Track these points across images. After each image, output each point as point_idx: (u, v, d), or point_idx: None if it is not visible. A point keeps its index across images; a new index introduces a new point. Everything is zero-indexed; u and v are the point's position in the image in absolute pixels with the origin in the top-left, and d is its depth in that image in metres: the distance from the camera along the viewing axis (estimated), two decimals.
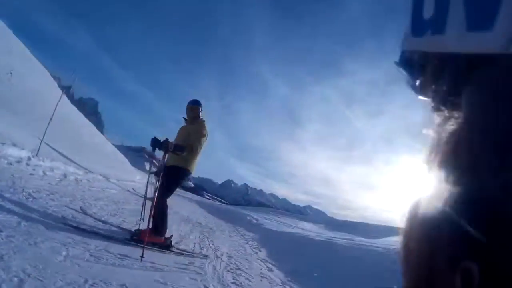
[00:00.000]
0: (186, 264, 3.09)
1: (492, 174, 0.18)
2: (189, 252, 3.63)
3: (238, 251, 4.92)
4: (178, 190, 7.63)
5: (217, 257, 3.94)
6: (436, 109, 0.24)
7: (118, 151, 20.39)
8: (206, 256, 3.69)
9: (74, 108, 18.49)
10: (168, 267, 2.79)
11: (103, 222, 3.58)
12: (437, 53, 0.23)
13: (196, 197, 25.52)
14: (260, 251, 5.47)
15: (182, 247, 3.74)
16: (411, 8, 0.25)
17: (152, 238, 3.15)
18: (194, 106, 3.73)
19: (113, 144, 22.09)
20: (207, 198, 48.61)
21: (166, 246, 3.33)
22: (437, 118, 0.24)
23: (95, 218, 3.58)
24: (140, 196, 5.84)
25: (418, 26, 0.24)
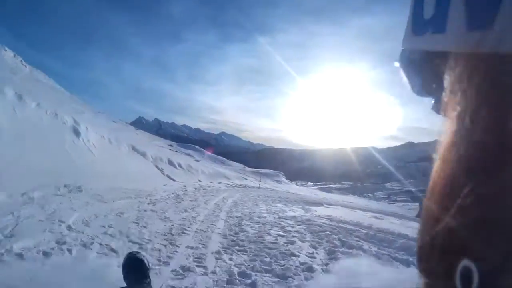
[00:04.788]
0: None
1: (493, 173, 0.18)
2: None
3: None
4: None
5: None
6: (437, 108, 0.24)
7: None
8: None
9: None
10: None
11: None
12: (438, 52, 0.23)
13: None
14: None
15: None
16: (411, 7, 0.24)
17: None
18: None
19: None
20: None
21: None
22: (438, 117, 0.24)
23: None
24: None
25: (418, 25, 0.24)
